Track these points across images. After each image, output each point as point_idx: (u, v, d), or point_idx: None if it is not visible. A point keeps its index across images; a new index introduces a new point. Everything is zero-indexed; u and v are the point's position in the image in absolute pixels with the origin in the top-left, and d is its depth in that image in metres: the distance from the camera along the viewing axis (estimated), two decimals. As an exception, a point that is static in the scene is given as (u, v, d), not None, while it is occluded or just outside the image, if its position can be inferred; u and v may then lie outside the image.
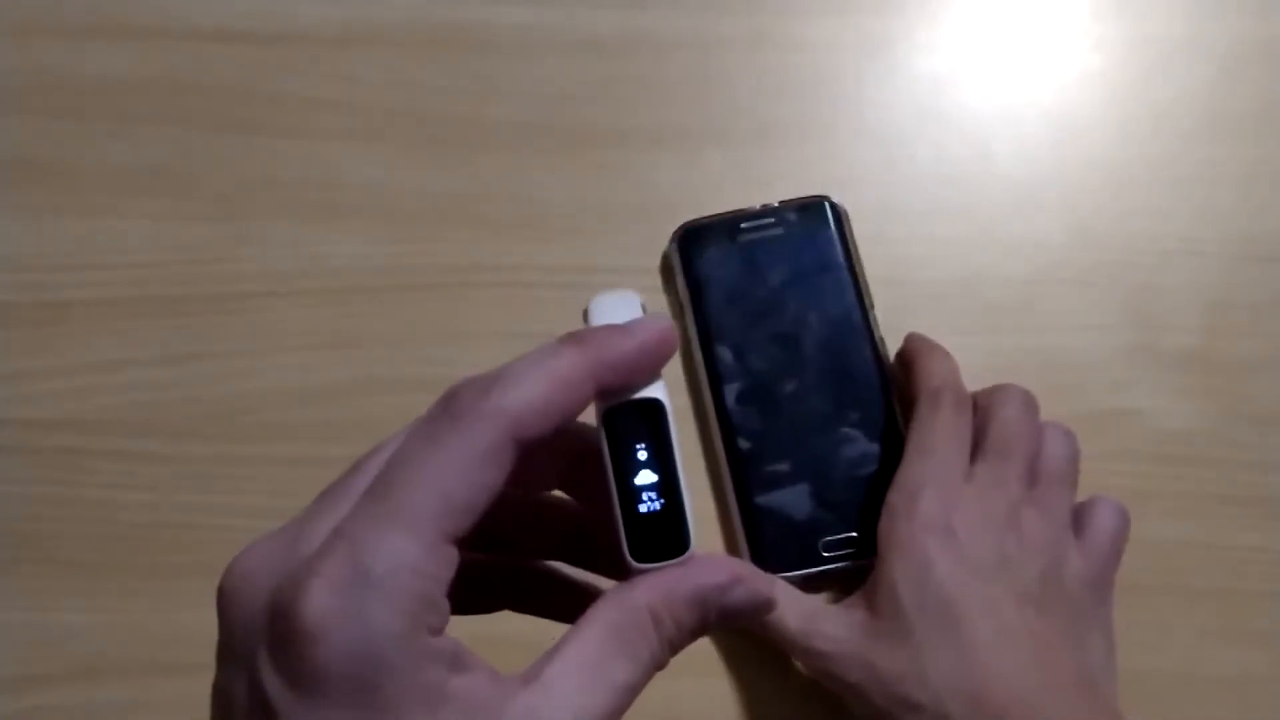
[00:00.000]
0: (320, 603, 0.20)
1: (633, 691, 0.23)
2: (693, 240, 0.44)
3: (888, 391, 0.42)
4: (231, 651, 0.22)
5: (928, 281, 0.45)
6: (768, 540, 0.40)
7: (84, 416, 0.43)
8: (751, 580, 0.25)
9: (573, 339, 0.23)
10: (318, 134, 0.47)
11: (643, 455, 0.24)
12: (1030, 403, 0.39)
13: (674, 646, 0.24)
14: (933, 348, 0.41)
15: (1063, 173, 0.47)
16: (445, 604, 0.22)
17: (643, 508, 0.24)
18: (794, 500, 0.41)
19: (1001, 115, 0.48)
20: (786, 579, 0.39)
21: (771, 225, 0.44)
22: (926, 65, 0.48)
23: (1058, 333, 0.45)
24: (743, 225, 0.44)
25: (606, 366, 0.23)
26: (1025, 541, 0.36)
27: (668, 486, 0.24)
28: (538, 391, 0.22)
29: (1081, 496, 0.39)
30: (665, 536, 0.24)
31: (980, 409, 0.39)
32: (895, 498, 0.37)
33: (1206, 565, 0.43)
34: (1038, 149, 0.47)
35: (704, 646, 0.42)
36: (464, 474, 0.22)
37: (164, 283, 0.45)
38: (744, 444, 0.41)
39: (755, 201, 0.45)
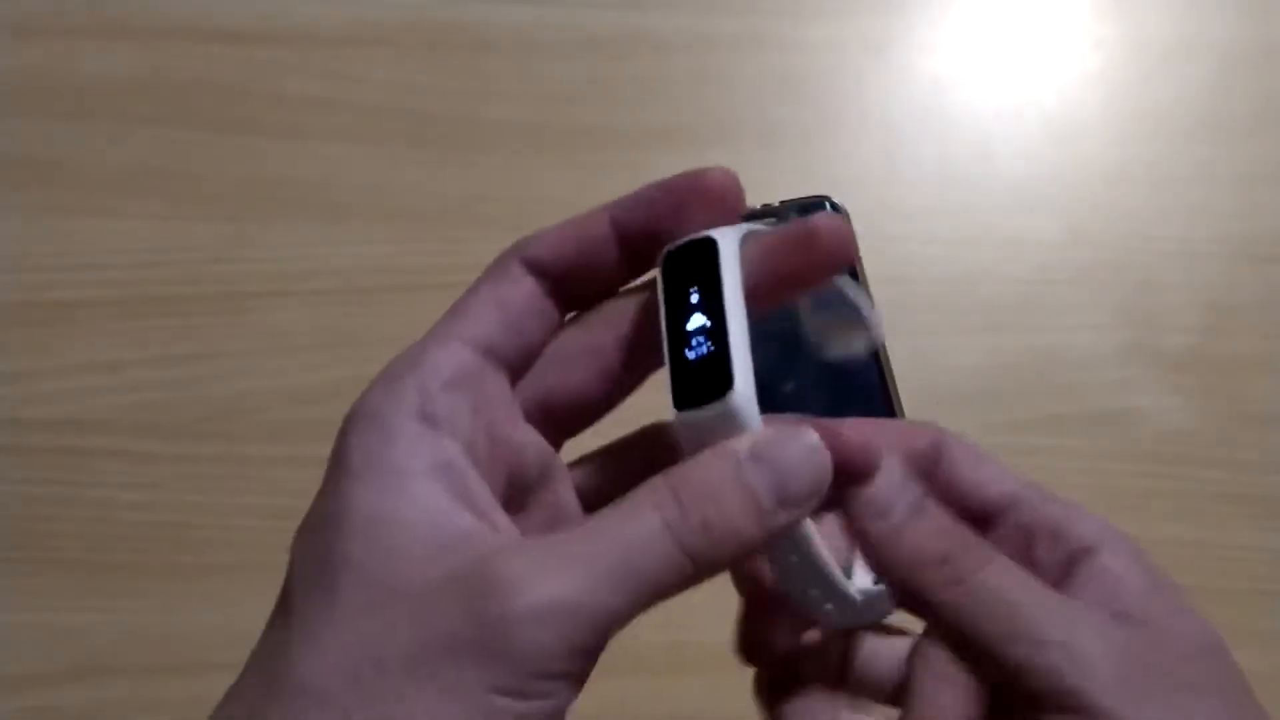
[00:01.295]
0: (362, 397, 0.22)
1: (626, 569, 0.19)
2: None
3: (887, 392, 0.42)
4: None
5: (928, 281, 0.45)
6: None
7: (84, 416, 0.43)
8: (792, 432, 0.21)
9: None
10: (318, 134, 0.47)
11: (694, 299, 0.21)
12: None
13: (711, 531, 0.20)
14: None
15: (1062, 173, 0.47)
16: (453, 398, 0.21)
17: (690, 353, 0.21)
18: None
19: (1002, 115, 0.48)
20: None
21: (772, 224, 0.44)
22: (927, 66, 0.48)
23: (1057, 332, 0.45)
24: (743, 224, 0.44)
25: (621, 204, 0.23)
26: None
27: (716, 330, 0.21)
28: (556, 227, 0.23)
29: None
30: (710, 382, 0.21)
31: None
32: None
33: (1206, 564, 0.43)
34: (1038, 149, 0.47)
35: (702, 645, 0.42)
36: (478, 293, 0.23)
37: (164, 283, 0.45)
38: None
39: (756, 201, 0.45)
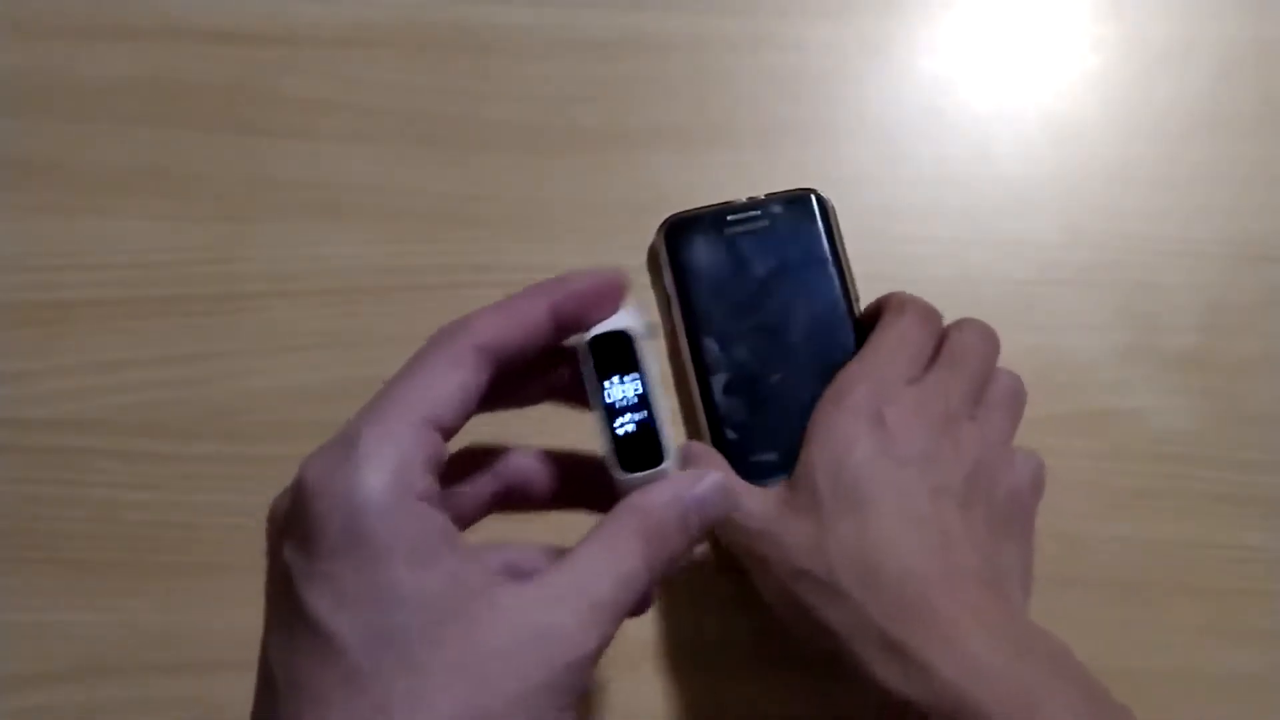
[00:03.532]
0: (315, 467, 0.25)
1: (622, 597, 0.25)
2: (679, 233, 0.44)
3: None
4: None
5: (927, 281, 0.45)
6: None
7: (84, 416, 0.43)
8: (709, 476, 0.28)
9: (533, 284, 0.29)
10: (318, 134, 0.47)
11: (618, 379, 0.28)
12: (990, 335, 0.39)
13: (665, 552, 0.27)
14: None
15: (1061, 173, 0.47)
16: (431, 478, 0.25)
17: (620, 428, 0.28)
18: None
19: (1001, 116, 0.48)
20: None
21: (757, 218, 0.44)
22: (926, 66, 0.48)
23: (1056, 332, 0.45)
24: (729, 218, 0.44)
25: (558, 293, 0.28)
26: (957, 446, 0.35)
27: (644, 405, 0.28)
28: (497, 312, 0.28)
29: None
30: (644, 449, 0.28)
31: (942, 334, 0.39)
32: (831, 389, 0.37)
33: (1205, 565, 0.43)
34: (1037, 149, 0.47)
35: (699, 643, 0.42)
36: (437, 373, 0.26)
37: (164, 283, 0.45)
38: (731, 434, 0.41)
39: (743, 194, 0.45)
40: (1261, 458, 0.44)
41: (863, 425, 0.35)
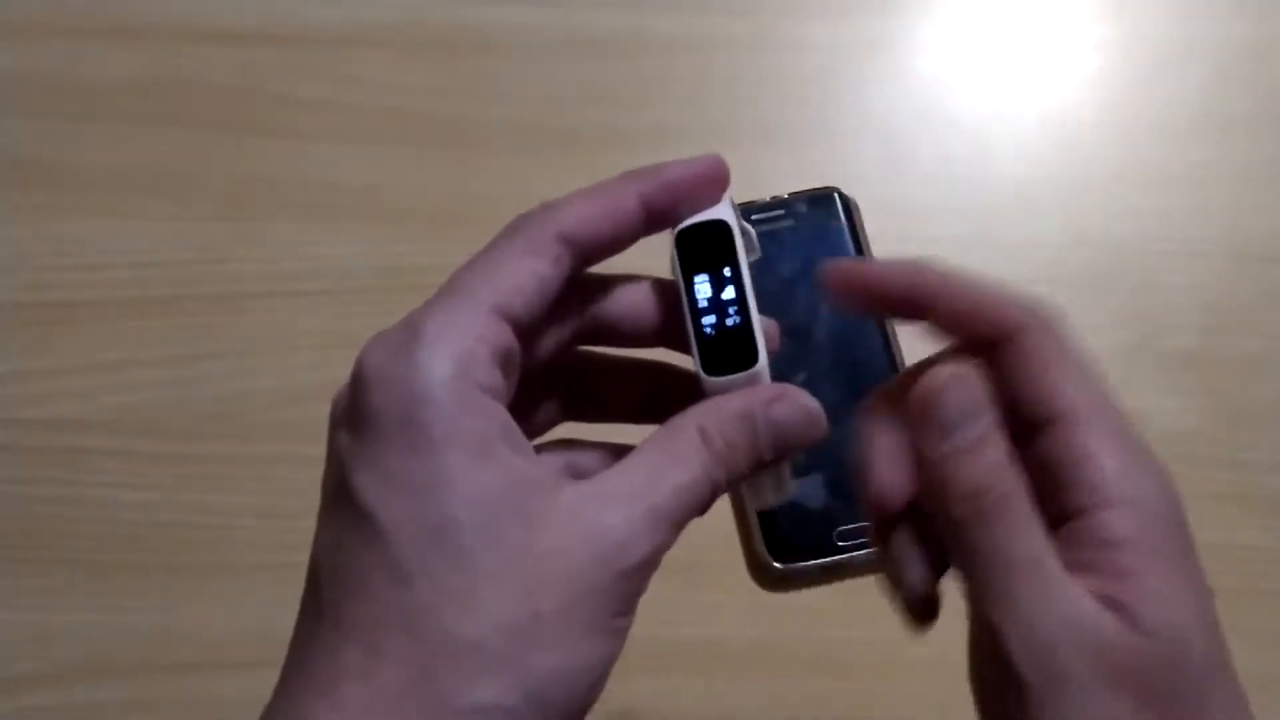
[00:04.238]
0: (375, 354, 0.23)
1: (682, 504, 0.23)
2: None
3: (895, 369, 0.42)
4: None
5: (927, 281, 0.45)
6: (782, 530, 0.41)
7: (85, 416, 0.43)
8: (795, 396, 0.25)
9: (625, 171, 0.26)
10: (318, 134, 0.47)
11: (709, 276, 0.25)
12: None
13: (728, 466, 0.24)
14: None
15: (1062, 173, 0.47)
16: (497, 371, 0.23)
17: (708, 327, 0.25)
18: (808, 491, 0.41)
19: (1001, 116, 0.48)
20: (801, 569, 0.40)
21: (782, 217, 0.44)
22: (927, 66, 0.48)
23: (1057, 333, 0.45)
24: (753, 217, 0.44)
25: (652, 183, 0.26)
26: None
27: (737, 302, 0.25)
28: (585, 199, 0.25)
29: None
30: (735, 351, 0.25)
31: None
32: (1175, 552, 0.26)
33: (1206, 565, 0.43)
34: (1037, 150, 0.47)
35: (706, 647, 0.42)
36: (511, 259, 0.24)
37: (164, 283, 0.45)
38: None
39: (766, 194, 0.45)
40: (1262, 458, 0.44)
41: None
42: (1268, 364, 0.45)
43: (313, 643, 0.22)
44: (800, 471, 0.41)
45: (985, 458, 0.23)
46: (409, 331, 0.23)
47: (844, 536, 0.40)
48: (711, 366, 0.25)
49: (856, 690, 0.40)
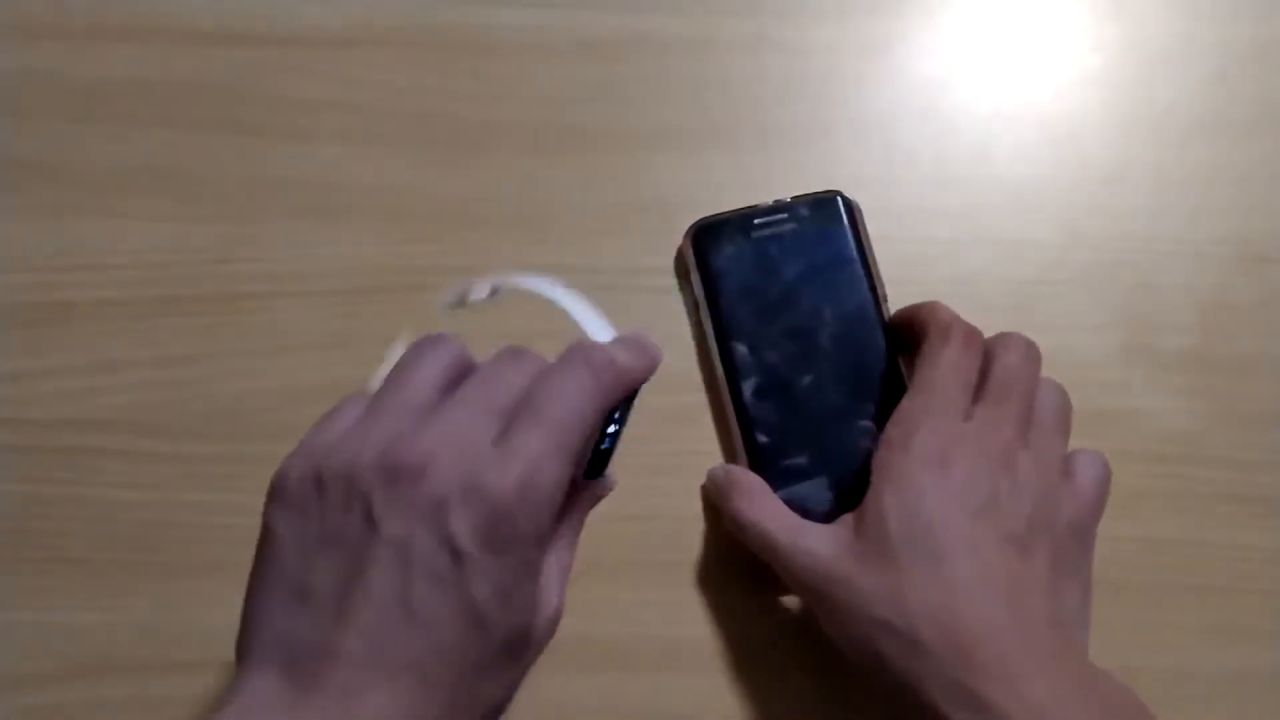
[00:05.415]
0: (511, 496, 0.29)
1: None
2: (706, 237, 0.44)
3: (902, 383, 0.42)
4: (414, 508, 0.29)
5: (926, 282, 0.45)
6: None
7: (85, 416, 0.43)
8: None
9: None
10: (318, 134, 0.47)
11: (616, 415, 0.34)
12: (1033, 352, 0.39)
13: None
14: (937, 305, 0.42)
15: (1061, 174, 0.47)
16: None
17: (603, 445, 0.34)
18: (813, 493, 0.41)
19: (1000, 116, 0.48)
20: None
21: (785, 221, 0.44)
22: (926, 67, 0.48)
23: (1055, 333, 0.45)
24: (756, 221, 0.44)
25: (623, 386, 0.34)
26: (1017, 484, 0.36)
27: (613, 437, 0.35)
28: (629, 356, 0.33)
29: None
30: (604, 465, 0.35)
31: (985, 353, 0.39)
32: (894, 431, 0.37)
33: (1204, 564, 0.43)
34: (1036, 150, 0.47)
35: (703, 645, 0.42)
36: (592, 413, 0.31)
37: (164, 283, 0.45)
38: (762, 438, 0.41)
39: (768, 197, 0.45)
40: (1261, 458, 0.44)
41: (931, 472, 0.35)
42: (1267, 364, 0.45)
43: None
44: (802, 473, 0.41)
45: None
46: (530, 475, 0.30)
47: None
48: (589, 474, 0.34)
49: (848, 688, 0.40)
